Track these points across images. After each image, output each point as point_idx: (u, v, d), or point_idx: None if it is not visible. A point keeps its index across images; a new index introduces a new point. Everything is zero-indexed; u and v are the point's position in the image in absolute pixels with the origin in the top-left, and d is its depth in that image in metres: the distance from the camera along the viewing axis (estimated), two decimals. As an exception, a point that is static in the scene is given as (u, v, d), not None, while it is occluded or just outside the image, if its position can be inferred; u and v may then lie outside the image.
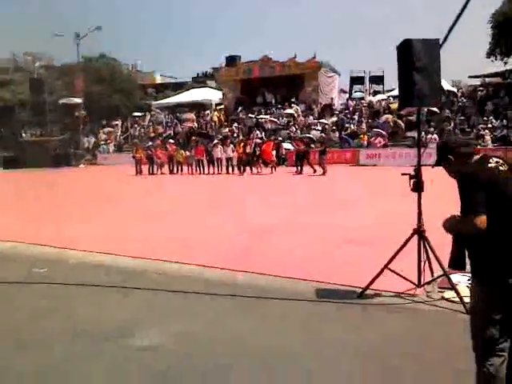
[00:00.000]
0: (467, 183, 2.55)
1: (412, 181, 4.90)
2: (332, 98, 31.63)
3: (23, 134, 32.57)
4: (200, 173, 21.92)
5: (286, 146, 24.22)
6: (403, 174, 4.97)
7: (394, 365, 3.47)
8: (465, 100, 26.56)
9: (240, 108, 32.48)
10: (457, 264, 2.72)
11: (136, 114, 37.15)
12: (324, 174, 19.01)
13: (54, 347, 3.84)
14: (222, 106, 34.55)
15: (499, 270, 2.46)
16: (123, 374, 3.47)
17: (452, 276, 4.74)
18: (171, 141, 25.36)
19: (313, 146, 24.13)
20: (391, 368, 3.42)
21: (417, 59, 4.65)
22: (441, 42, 4.86)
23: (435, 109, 21.11)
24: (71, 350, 3.80)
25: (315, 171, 19.47)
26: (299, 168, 20.04)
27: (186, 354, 3.76)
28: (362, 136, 24.27)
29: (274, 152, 21.70)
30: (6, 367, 3.13)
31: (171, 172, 22.95)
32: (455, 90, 29.49)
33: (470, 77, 32.86)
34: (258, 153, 21.92)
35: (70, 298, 5.18)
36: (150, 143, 26.74)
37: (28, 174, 24.14)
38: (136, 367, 3.56)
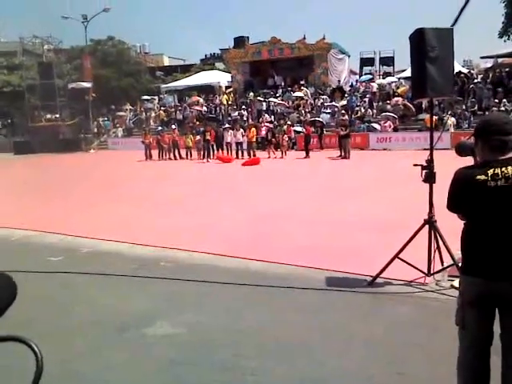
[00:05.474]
0: (452, 180, 2.60)
1: (424, 172, 4.90)
2: (340, 81, 31.27)
3: (32, 120, 32.62)
4: (211, 158, 21.87)
5: (296, 129, 24.07)
6: (415, 165, 4.97)
7: (402, 354, 3.54)
8: (476, 81, 26.08)
9: (249, 91, 32.24)
10: None
11: (145, 97, 37.02)
12: (347, 157, 19.04)
13: (75, 339, 3.96)
14: (231, 89, 34.31)
15: (473, 265, 2.51)
16: (140, 364, 3.56)
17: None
18: (173, 127, 25.24)
19: (324, 129, 23.97)
20: (399, 358, 3.49)
21: (430, 49, 4.58)
22: (452, 22, 4.79)
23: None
24: (91, 341, 3.92)
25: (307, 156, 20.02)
26: (306, 153, 20.43)
27: (200, 343, 3.86)
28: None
29: (286, 136, 21.63)
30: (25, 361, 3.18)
31: (175, 158, 22.87)
32: (466, 71, 28.94)
33: (483, 57, 32.21)
34: (269, 137, 21.92)
35: (88, 287, 5.30)
36: (160, 128, 26.67)
37: (39, 160, 24.29)
38: (152, 357, 3.66)
